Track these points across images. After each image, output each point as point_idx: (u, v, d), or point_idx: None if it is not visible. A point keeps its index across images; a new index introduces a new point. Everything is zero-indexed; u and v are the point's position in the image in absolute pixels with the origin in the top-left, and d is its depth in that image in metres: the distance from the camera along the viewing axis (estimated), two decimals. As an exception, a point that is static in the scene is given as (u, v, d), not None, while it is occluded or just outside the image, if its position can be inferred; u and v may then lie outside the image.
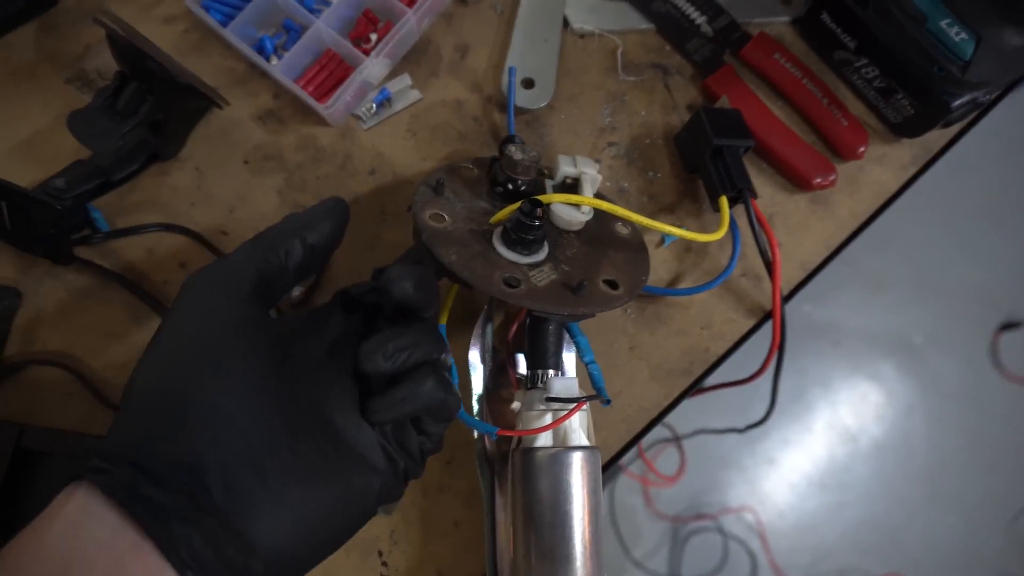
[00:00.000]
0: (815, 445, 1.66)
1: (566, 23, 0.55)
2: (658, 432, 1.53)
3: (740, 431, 0.82)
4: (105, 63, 0.51)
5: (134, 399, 0.30)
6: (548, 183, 0.47)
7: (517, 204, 0.40)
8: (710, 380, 0.53)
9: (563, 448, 0.39)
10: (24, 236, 0.45)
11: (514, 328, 0.47)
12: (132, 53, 0.43)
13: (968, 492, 1.66)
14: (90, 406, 0.45)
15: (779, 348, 0.51)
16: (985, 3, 0.46)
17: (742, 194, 0.48)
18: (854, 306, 1.76)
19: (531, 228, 0.40)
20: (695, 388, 0.51)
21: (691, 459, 1.57)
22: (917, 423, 1.70)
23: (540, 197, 0.41)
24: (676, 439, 1.44)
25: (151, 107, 0.46)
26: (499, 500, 0.44)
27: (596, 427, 0.48)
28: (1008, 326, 1.75)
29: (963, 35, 0.46)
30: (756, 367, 0.53)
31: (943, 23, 0.47)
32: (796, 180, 0.53)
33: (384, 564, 0.44)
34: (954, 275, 1.81)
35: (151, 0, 0.53)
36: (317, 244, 0.35)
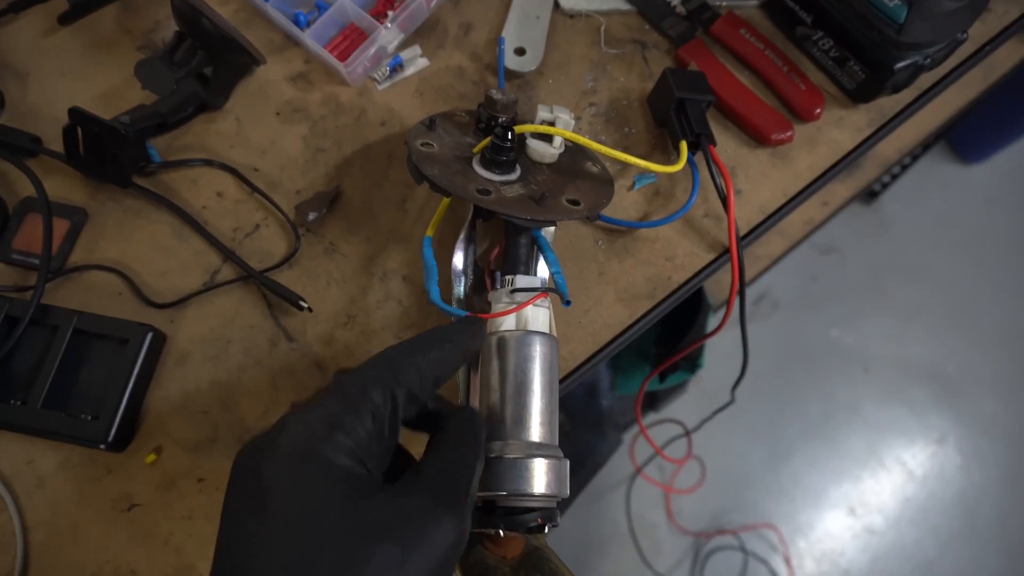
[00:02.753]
0: (843, 468, 1.64)
1: (557, 4, 0.63)
2: (669, 429, 1.54)
3: (732, 401, 0.85)
4: (169, 34, 0.61)
5: None
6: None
7: None
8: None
9: (524, 330, 0.45)
10: (94, 162, 0.54)
11: (496, 251, 0.54)
12: (190, 12, 0.54)
13: (1008, 529, 1.60)
14: (134, 303, 0.54)
15: (740, 281, 0.56)
16: (915, -28, 0.52)
17: (700, 140, 0.55)
18: (884, 334, 1.76)
19: (504, 149, 0.48)
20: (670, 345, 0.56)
21: (712, 475, 1.58)
22: (951, 452, 1.66)
23: (515, 126, 0.49)
24: (686, 433, 1.45)
25: (201, 60, 0.56)
26: (472, 389, 0.50)
27: (567, 340, 0.54)
28: (1046, 358, 1.72)
29: (896, 2, 0.53)
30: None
31: (878, -9, 0.53)
32: (756, 136, 0.59)
33: (372, 446, 0.51)
34: (991, 307, 1.80)
35: (210, -15, 0.64)
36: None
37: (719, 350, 1.38)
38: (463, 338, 0.40)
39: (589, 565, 1.54)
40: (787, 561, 1.55)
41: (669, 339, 0.93)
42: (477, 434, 0.38)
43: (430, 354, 0.36)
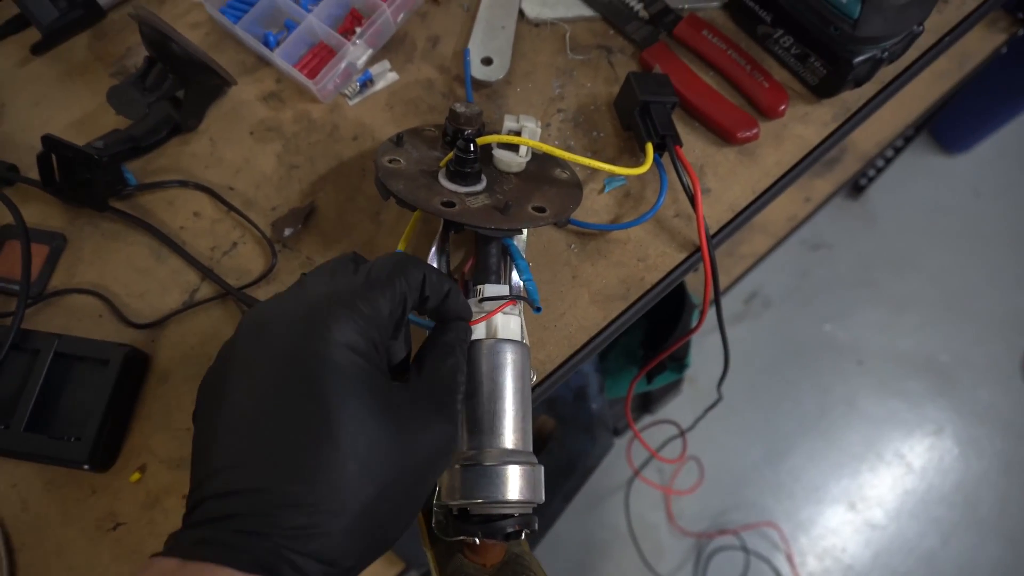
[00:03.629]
0: (841, 463, 1.64)
1: (522, 14, 0.64)
2: (665, 430, 1.55)
3: (720, 399, 0.85)
4: (140, 59, 0.62)
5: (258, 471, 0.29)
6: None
7: None
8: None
9: (494, 339, 0.46)
10: (69, 187, 0.55)
11: (470, 262, 0.55)
12: (158, 38, 0.55)
13: (1008, 514, 1.60)
14: (115, 325, 0.55)
15: (713, 279, 0.57)
16: (867, -32, 0.53)
17: (666, 141, 0.56)
18: (877, 326, 1.76)
19: (467, 161, 0.49)
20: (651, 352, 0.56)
21: (711, 475, 1.58)
22: (949, 443, 1.66)
23: (478, 138, 0.49)
24: (681, 433, 1.45)
25: (172, 83, 0.57)
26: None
27: (542, 344, 0.55)
28: (1039, 345, 1.72)
29: (850, -3, 0.54)
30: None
31: (833, -12, 0.54)
32: (723, 134, 0.60)
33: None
34: (981, 296, 1.80)
35: (181, 10, 0.65)
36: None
37: (711, 349, 1.39)
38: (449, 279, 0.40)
39: (591, 569, 1.53)
40: (789, 559, 1.54)
41: (655, 340, 0.94)
42: (467, 343, 0.41)
43: (431, 273, 0.37)
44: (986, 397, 1.70)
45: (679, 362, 0.95)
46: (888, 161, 1.70)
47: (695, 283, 1.12)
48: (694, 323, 0.99)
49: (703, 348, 1.49)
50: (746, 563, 1.53)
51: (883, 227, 1.87)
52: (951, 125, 1.86)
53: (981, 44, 1.19)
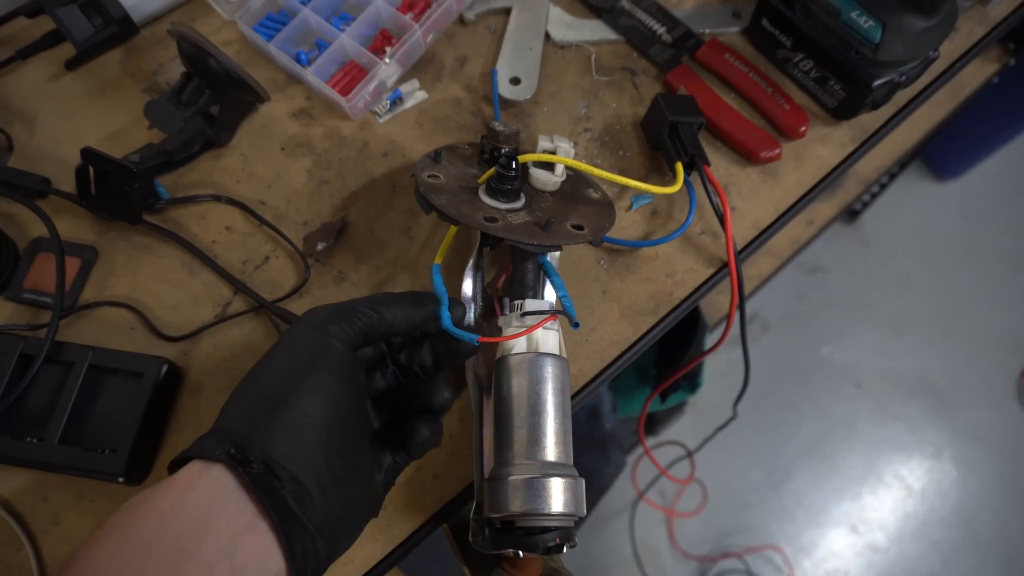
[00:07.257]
0: (842, 486, 1.64)
1: (548, 37, 0.66)
2: (670, 452, 1.54)
3: (735, 417, 0.86)
4: (172, 75, 0.64)
5: (255, 399, 0.37)
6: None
7: None
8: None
9: (535, 352, 0.46)
10: (104, 200, 0.56)
11: (503, 278, 0.55)
12: (197, 53, 0.55)
13: (1007, 536, 1.61)
14: (147, 338, 0.55)
15: (739, 295, 0.58)
16: (888, -5, 0.55)
17: (695, 161, 0.57)
18: (874, 349, 1.78)
19: (508, 178, 0.50)
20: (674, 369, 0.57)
21: (713, 497, 1.57)
22: (947, 465, 1.68)
23: (518, 156, 0.50)
24: (688, 454, 1.45)
25: (208, 99, 0.58)
26: (485, 415, 0.51)
27: (574, 358, 0.55)
28: (1033, 367, 1.74)
29: (871, 23, 0.56)
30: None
31: (853, 14, 0.56)
32: (746, 154, 0.61)
33: (387, 470, 0.51)
34: (974, 318, 1.83)
35: (213, 28, 0.66)
36: (392, 321, 0.43)
37: (713, 370, 1.39)
38: (403, 308, 0.44)
39: (594, 593, 1.52)
40: (792, 582, 1.54)
41: (668, 360, 0.95)
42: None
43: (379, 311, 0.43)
44: (982, 419, 1.72)
45: (692, 381, 0.95)
46: (883, 187, 1.73)
47: (706, 304, 1.13)
48: (707, 343, 1.00)
49: (704, 369, 1.50)
50: (750, 586, 1.53)
51: (877, 251, 1.90)
52: (942, 152, 1.91)
53: (975, 73, 1.22)
